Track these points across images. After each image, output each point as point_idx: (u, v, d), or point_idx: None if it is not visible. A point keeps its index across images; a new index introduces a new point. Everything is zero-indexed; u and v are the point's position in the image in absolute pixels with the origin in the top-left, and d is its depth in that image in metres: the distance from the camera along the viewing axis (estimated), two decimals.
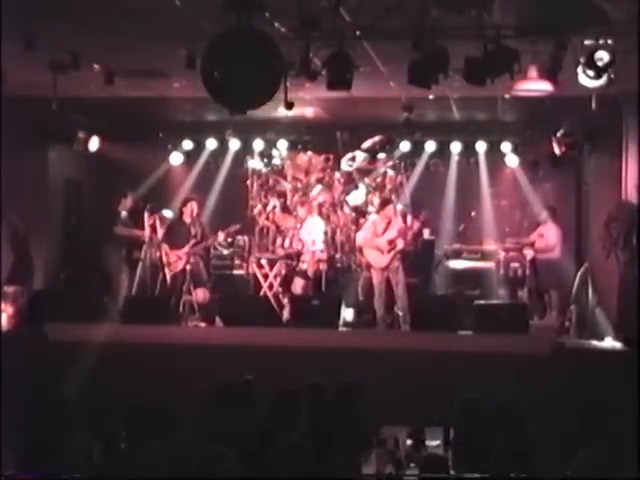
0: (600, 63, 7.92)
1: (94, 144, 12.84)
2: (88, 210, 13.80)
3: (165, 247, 12.36)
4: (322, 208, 13.72)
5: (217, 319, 11.70)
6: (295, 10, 7.38)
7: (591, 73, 8.13)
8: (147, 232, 12.78)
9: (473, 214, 13.31)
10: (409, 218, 13.35)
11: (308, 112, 12.69)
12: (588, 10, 7.43)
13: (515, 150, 13.47)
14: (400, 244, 11.77)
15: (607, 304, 11.15)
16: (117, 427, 6.49)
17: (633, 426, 7.35)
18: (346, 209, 13.74)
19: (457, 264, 13.09)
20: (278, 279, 12.85)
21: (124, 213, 13.00)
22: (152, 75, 10.43)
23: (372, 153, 13.92)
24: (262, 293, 12.56)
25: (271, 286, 12.72)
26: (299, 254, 13.00)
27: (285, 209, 14.08)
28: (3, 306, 11.32)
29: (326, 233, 13.32)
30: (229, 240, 13.48)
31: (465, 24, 7.65)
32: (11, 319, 11.38)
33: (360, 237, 12.84)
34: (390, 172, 14.02)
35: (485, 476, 6.08)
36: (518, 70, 8.03)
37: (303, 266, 12.87)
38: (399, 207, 13.67)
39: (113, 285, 12.62)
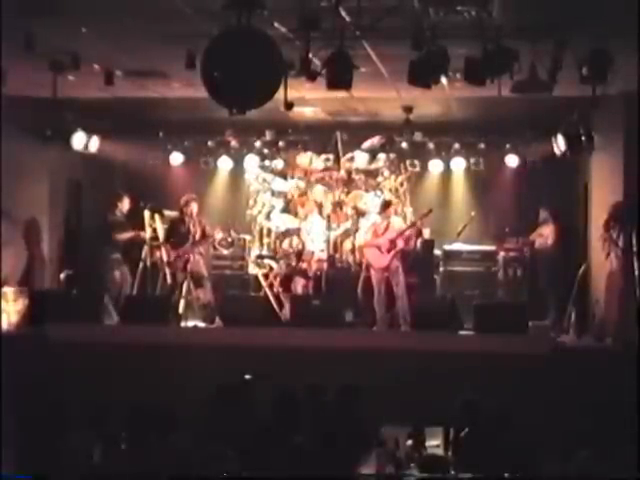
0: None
1: (94, 144, 12.83)
2: (88, 210, 13.79)
3: (165, 247, 12.38)
4: (322, 208, 13.74)
5: (217, 319, 11.71)
6: (295, 10, 7.38)
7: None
8: (147, 232, 12.80)
9: (473, 214, 13.30)
10: (409, 218, 13.39)
11: (308, 112, 12.70)
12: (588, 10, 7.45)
13: (515, 150, 13.46)
14: (400, 244, 11.77)
15: (607, 304, 11.15)
16: (117, 427, 6.49)
17: (633, 426, 7.36)
18: (346, 209, 13.75)
19: (457, 264, 13.08)
20: (278, 279, 12.85)
21: (121, 216, 12.92)
22: (152, 75, 10.43)
23: (372, 153, 13.93)
24: (262, 293, 12.56)
25: (271, 286, 12.72)
26: (299, 254, 13.01)
27: (285, 209, 14.09)
28: (3, 306, 11.32)
29: (326, 233, 13.33)
30: (229, 240, 13.49)
31: (465, 24, 7.65)
32: (11, 319, 11.38)
33: (360, 237, 12.87)
34: (390, 173, 14.04)
35: (484, 476, 6.09)
36: (518, 70, 8.04)
37: (303, 266, 12.88)
38: (399, 207, 13.73)
39: (113, 285, 12.61)
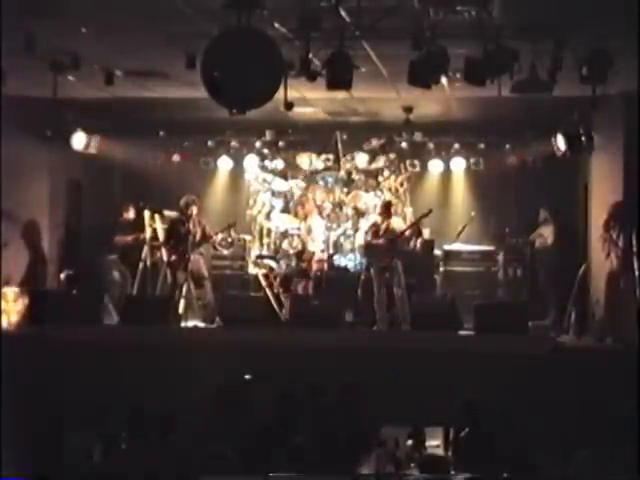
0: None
1: (94, 144, 12.83)
2: (88, 210, 13.80)
3: (165, 247, 12.38)
4: (322, 208, 13.75)
5: (217, 319, 11.70)
6: (295, 10, 7.38)
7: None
8: (147, 232, 12.82)
9: (473, 214, 13.31)
10: (409, 219, 13.39)
11: (308, 112, 12.70)
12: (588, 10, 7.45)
13: (515, 150, 13.46)
14: (400, 244, 11.77)
15: (607, 304, 11.14)
16: (117, 427, 6.50)
17: (633, 426, 7.35)
18: (346, 209, 13.76)
19: (457, 264, 13.08)
20: (278, 279, 12.85)
21: (125, 222, 12.97)
22: (152, 75, 10.43)
23: (372, 153, 13.93)
24: (262, 293, 12.56)
25: (271, 286, 12.72)
26: (299, 254, 13.01)
27: (285, 209, 14.10)
28: (3, 306, 11.31)
29: (326, 233, 13.34)
30: (229, 240, 13.49)
31: (465, 24, 7.65)
32: (11, 319, 11.38)
33: (360, 237, 12.87)
34: (390, 173, 14.05)
35: (484, 476, 6.09)
36: (518, 70, 8.04)
37: (303, 266, 12.88)
38: (399, 207, 13.73)
39: (113, 285, 12.62)
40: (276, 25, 7.80)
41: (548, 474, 6.02)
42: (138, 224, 12.93)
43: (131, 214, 13.01)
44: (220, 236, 12.88)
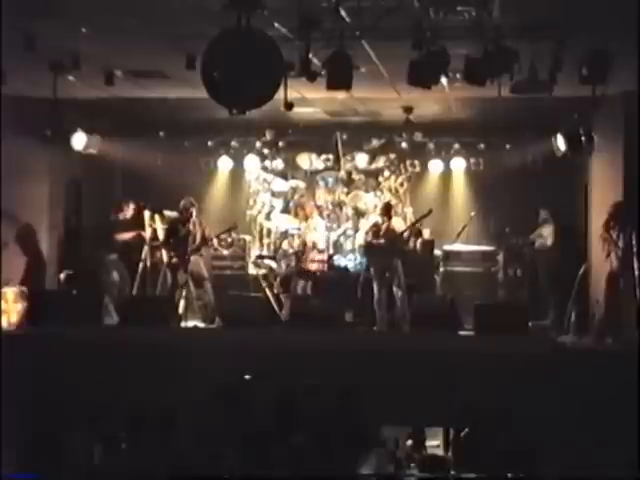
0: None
1: (94, 144, 12.83)
2: (88, 210, 13.80)
3: (165, 247, 12.38)
4: (322, 208, 13.75)
5: (217, 319, 11.71)
6: (295, 10, 7.38)
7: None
8: (148, 232, 12.82)
9: (473, 214, 13.31)
10: (409, 219, 13.40)
11: (308, 112, 12.70)
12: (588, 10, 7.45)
13: (515, 150, 13.46)
14: (400, 244, 11.77)
15: (607, 304, 11.14)
16: (117, 427, 6.49)
17: (633, 426, 7.36)
18: (346, 209, 13.76)
19: (457, 264, 13.08)
20: (278, 279, 12.86)
21: (124, 219, 13.00)
22: (152, 75, 10.43)
23: (372, 153, 13.94)
24: (262, 293, 12.56)
25: (271, 286, 12.73)
26: (299, 254, 13.02)
27: (285, 209, 14.10)
28: (3, 306, 11.31)
29: (326, 233, 13.34)
30: (229, 240, 13.50)
31: (465, 24, 7.66)
32: (11, 319, 11.37)
33: (360, 237, 12.87)
34: (390, 173, 14.06)
35: (485, 476, 6.09)
36: (518, 70, 8.04)
37: (303, 266, 12.89)
38: (399, 207, 13.74)
39: (112, 285, 12.62)
40: (276, 25, 7.80)
41: (548, 474, 6.02)
42: (138, 222, 12.94)
43: (131, 211, 13.02)
44: (216, 241, 12.87)
